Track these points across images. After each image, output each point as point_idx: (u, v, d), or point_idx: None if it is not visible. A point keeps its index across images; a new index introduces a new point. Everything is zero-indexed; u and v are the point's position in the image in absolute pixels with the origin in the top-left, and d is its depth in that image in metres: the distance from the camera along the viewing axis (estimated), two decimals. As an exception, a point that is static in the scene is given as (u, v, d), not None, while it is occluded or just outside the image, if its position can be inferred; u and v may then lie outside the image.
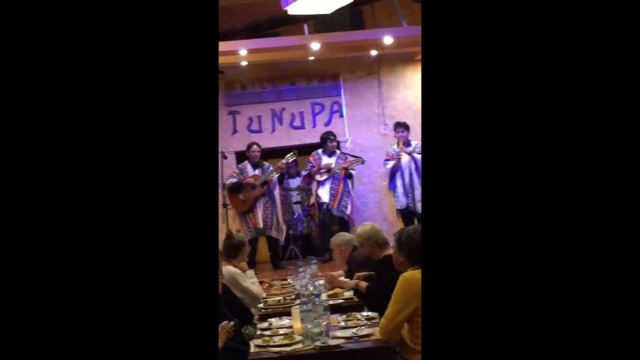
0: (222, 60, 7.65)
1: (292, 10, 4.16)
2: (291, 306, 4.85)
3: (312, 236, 10.08)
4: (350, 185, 9.31)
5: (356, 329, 3.87)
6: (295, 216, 9.72)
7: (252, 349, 3.74)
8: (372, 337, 3.71)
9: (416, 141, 8.99)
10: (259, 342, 3.81)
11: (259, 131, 10.19)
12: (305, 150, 9.70)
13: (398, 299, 3.48)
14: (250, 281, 5.41)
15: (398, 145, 9.03)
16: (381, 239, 5.15)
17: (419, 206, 8.74)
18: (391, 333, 3.52)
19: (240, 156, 9.76)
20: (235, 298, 4.65)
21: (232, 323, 3.68)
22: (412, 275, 3.48)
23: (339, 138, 9.86)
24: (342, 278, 5.53)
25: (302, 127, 10.28)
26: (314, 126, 10.26)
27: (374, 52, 9.62)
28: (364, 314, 4.33)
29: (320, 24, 8.67)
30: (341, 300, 5.02)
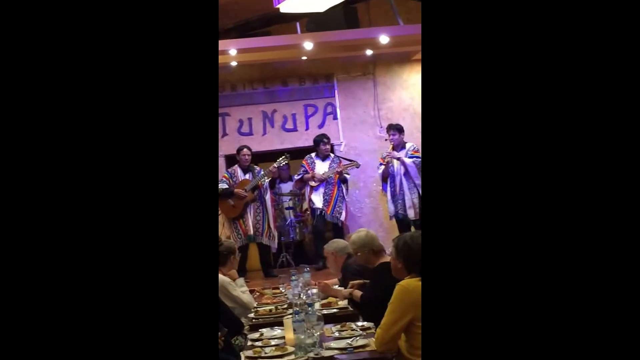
0: (211, 60, 7.64)
1: (284, 8, 4.18)
2: (283, 316, 4.83)
3: (305, 243, 10.08)
4: (344, 190, 9.30)
5: (351, 339, 3.87)
6: (287, 222, 9.72)
7: (243, 361, 3.73)
8: (368, 348, 3.70)
9: (411, 143, 8.98)
10: (249, 353, 3.81)
11: (250, 134, 10.19)
12: (297, 153, 9.70)
13: (395, 308, 3.48)
14: (241, 290, 5.40)
15: (391, 149, 9.02)
16: (377, 246, 5.15)
17: (410, 212, 8.73)
18: (387, 344, 3.51)
19: (230, 160, 9.76)
20: (224, 307, 4.64)
21: (221, 333, 3.68)
22: (409, 284, 3.48)
23: (332, 141, 9.86)
24: (336, 286, 5.53)
25: (294, 129, 10.29)
26: (307, 128, 10.27)
27: (369, 52, 9.64)
28: (359, 323, 4.33)
29: (313, 22, 8.68)
30: (335, 310, 5.02)
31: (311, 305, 4.03)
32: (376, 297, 4.30)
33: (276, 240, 9.19)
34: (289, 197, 9.82)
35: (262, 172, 8.93)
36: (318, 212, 9.15)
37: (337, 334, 4.08)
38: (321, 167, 9.28)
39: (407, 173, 8.80)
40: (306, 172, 9.30)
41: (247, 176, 8.97)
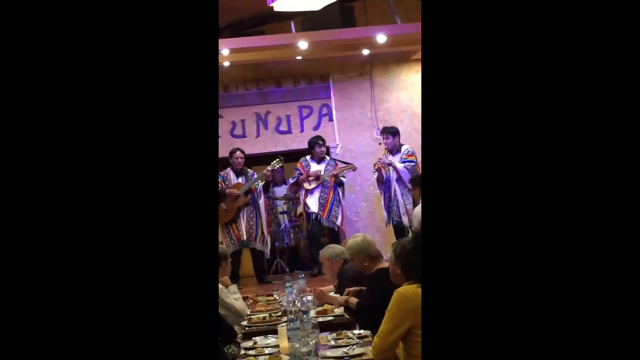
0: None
1: (278, 6, 4.18)
2: (277, 324, 4.83)
3: (300, 248, 10.08)
4: (340, 194, 9.30)
5: (347, 348, 3.87)
6: (281, 227, 9.71)
7: (236, 370, 3.73)
8: (365, 357, 3.71)
9: (407, 146, 8.97)
10: (242, 362, 3.80)
11: (243, 136, 10.19)
12: (292, 156, 9.70)
13: (392, 315, 3.48)
14: (233, 297, 5.40)
15: (384, 154, 9.01)
16: (374, 252, 5.15)
17: (404, 219, 8.72)
18: (385, 352, 3.51)
19: (223, 163, 9.75)
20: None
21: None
22: (407, 290, 3.48)
23: (328, 143, 9.85)
24: (332, 293, 5.52)
25: (288, 131, 10.29)
26: (302, 130, 10.27)
27: (365, 51, 9.64)
28: (356, 332, 4.33)
29: (308, 21, 8.68)
30: (331, 318, 5.02)
31: (306, 312, 4.03)
32: (373, 304, 4.30)
33: (270, 246, 9.19)
34: (283, 201, 9.82)
35: (256, 176, 8.92)
36: (313, 217, 9.15)
37: (333, 343, 4.08)
38: (316, 171, 9.28)
39: (399, 179, 8.79)
40: (301, 175, 9.29)
41: (240, 180, 8.96)
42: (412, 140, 9.50)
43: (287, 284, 5.51)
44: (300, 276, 5.80)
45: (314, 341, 3.69)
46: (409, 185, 8.59)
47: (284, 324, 4.33)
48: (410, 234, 4.44)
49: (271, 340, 4.33)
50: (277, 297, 5.99)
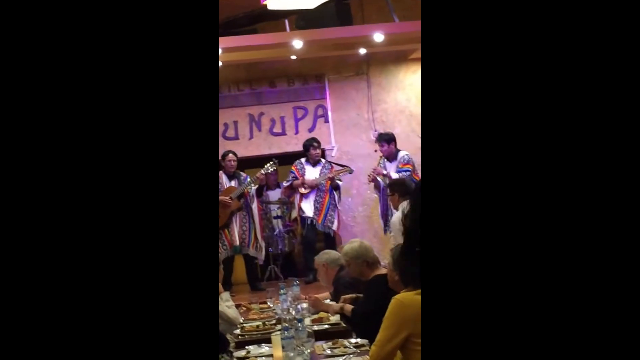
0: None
1: (272, 4, 4.18)
2: (271, 332, 4.84)
3: (295, 254, 10.07)
4: (336, 198, 9.31)
5: (344, 357, 3.87)
6: (275, 232, 9.70)
7: (228, 380, 3.73)
8: (361, 367, 3.71)
9: (404, 153, 8.95)
10: (235, 372, 3.80)
11: (235, 138, 10.19)
12: (286, 159, 9.70)
13: (390, 323, 3.48)
14: (226, 304, 5.39)
15: (379, 163, 9.00)
16: (371, 258, 5.16)
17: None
18: (382, 362, 3.51)
19: (215, 166, 9.75)
20: (209, 323, 4.63)
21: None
22: (405, 297, 3.48)
23: (324, 145, 9.87)
24: (328, 301, 5.52)
25: (283, 133, 10.29)
26: (296, 132, 10.27)
27: (362, 51, 9.65)
28: (352, 340, 4.33)
29: (303, 19, 8.69)
30: (327, 326, 5.02)
31: (301, 320, 4.03)
32: (370, 312, 4.30)
33: (263, 252, 9.18)
34: (277, 206, 9.82)
35: (249, 179, 8.92)
36: (308, 221, 9.16)
37: (328, 352, 4.08)
38: (311, 173, 9.28)
39: None
40: (295, 178, 9.29)
41: (232, 183, 8.96)
42: (410, 142, 9.51)
43: (281, 291, 5.51)
44: (295, 283, 5.81)
45: (309, 350, 3.69)
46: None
47: (278, 332, 4.34)
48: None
49: (265, 349, 4.33)
50: (271, 305, 5.99)
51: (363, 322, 4.60)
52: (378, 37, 8.76)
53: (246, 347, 4.51)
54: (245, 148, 10.07)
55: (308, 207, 9.19)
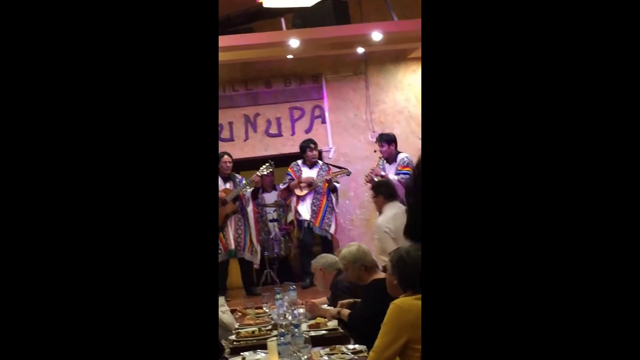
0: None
1: (268, 2, 4.18)
2: (267, 338, 4.83)
3: (291, 258, 10.06)
4: (334, 201, 9.29)
5: (341, 363, 3.87)
6: (271, 236, 9.68)
7: (223, 388, 3.73)
8: (360, 373, 3.71)
9: (404, 155, 8.93)
10: (230, 379, 3.80)
11: (230, 139, 10.17)
12: (282, 160, 9.69)
13: (389, 329, 3.48)
14: (221, 310, 5.39)
15: (378, 164, 8.96)
16: (369, 262, 5.16)
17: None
18: (381, 368, 3.51)
19: (209, 168, 9.74)
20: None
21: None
22: (404, 302, 3.48)
23: (320, 147, 9.85)
24: (325, 306, 5.52)
25: (279, 134, 10.28)
26: (293, 133, 10.26)
27: (360, 50, 9.64)
28: (350, 346, 4.33)
29: (299, 18, 8.69)
30: (324, 332, 5.02)
31: (298, 326, 4.03)
32: (368, 317, 4.30)
33: (259, 256, 9.17)
34: (273, 209, 9.80)
35: (244, 181, 8.90)
36: (305, 225, 9.14)
37: (326, 358, 4.08)
38: (308, 175, 9.26)
39: None
40: (292, 180, 9.28)
41: (227, 185, 8.95)
42: (409, 143, 9.50)
43: (278, 296, 5.51)
44: (291, 287, 5.79)
45: (305, 357, 3.69)
46: (403, 199, 8.54)
47: (274, 338, 4.33)
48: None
49: (261, 355, 4.33)
50: (267, 310, 5.98)
51: (361, 328, 4.59)
52: (376, 36, 8.76)
53: (241, 353, 4.51)
54: (241, 149, 10.06)
55: (305, 210, 9.18)
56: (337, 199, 9.37)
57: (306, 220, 9.13)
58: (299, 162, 9.36)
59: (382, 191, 7.16)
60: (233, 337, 5.17)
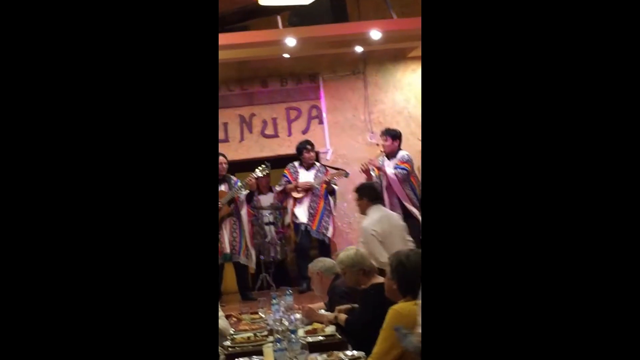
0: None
1: (264, 0, 4.18)
2: (263, 344, 4.83)
3: (287, 262, 10.06)
4: (332, 203, 9.28)
5: (339, 370, 3.87)
6: (267, 239, 9.67)
7: (218, 395, 3.72)
8: (358, 380, 3.71)
9: (404, 152, 8.92)
10: (225, 386, 3.80)
11: (225, 140, 10.16)
12: (278, 162, 9.69)
13: (387, 335, 3.48)
14: (215, 315, 5.39)
15: (378, 156, 8.94)
16: (367, 266, 5.15)
17: None
18: (379, 375, 3.51)
19: (204, 169, 9.72)
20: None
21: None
22: (403, 308, 3.48)
23: (318, 148, 9.85)
24: (323, 311, 5.52)
25: (275, 135, 10.28)
26: (289, 134, 10.26)
27: (358, 49, 9.65)
28: (349, 353, 4.32)
29: (296, 16, 8.69)
30: (321, 337, 5.01)
31: (294, 332, 4.03)
32: (366, 322, 4.30)
33: (255, 260, 9.16)
34: (269, 211, 9.79)
35: (239, 183, 8.89)
36: (302, 228, 9.13)
37: (323, 365, 4.08)
38: (305, 177, 9.26)
39: (389, 187, 8.66)
40: (289, 182, 9.26)
41: (222, 188, 8.94)
42: (408, 145, 9.50)
43: (274, 301, 5.51)
44: (288, 292, 5.79)
45: (302, 363, 3.69)
46: (400, 194, 8.53)
47: (270, 344, 4.33)
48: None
49: (256, 362, 4.32)
50: (263, 315, 5.98)
51: (359, 334, 4.59)
52: (375, 34, 8.76)
53: (237, 359, 4.50)
54: (236, 151, 10.05)
55: (302, 213, 9.16)
56: (335, 202, 9.37)
57: (303, 223, 9.11)
58: (296, 163, 9.35)
59: (366, 193, 7.17)
60: (228, 343, 5.16)
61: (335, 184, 9.27)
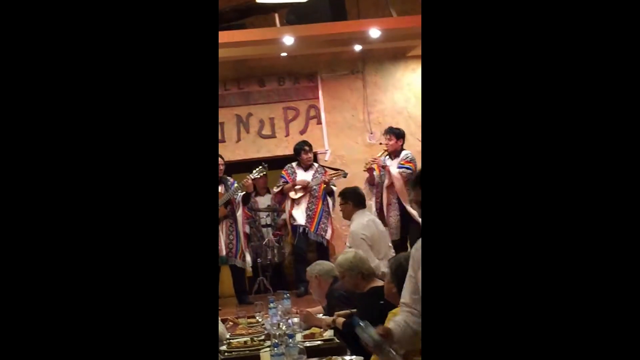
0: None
1: (261, -3, 4.18)
2: (260, 349, 4.83)
3: (285, 265, 10.05)
4: (330, 205, 9.25)
5: (337, 375, 3.87)
6: (264, 242, 9.66)
7: (214, 401, 3.72)
8: (357, 386, 3.71)
9: (407, 152, 8.92)
10: (221, 392, 3.80)
11: (222, 141, 10.14)
12: (276, 163, 9.68)
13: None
14: (211, 319, 5.38)
15: (381, 155, 8.93)
16: (366, 269, 5.15)
17: (392, 233, 8.54)
18: (379, 380, 3.51)
19: (199, 170, 9.71)
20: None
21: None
22: (403, 312, 3.48)
23: (316, 149, 9.84)
24: (321, 315, 5.52)
25: (272, 135, 10.28)
26: (287, 134, 10.26)
27: (357, 47, 9.65)
28: (347, 357, 4.32)
29: (294, 14, 8.69)
30: (319, 342, 5.01)
31: (292, 336, 4.03)
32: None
33: (251, 263, 9.15)
34: (267, 213, 9.78)
35: (236, 185, 8.87)
36: (300, 230, 9.11)
37: (321, 370, 4.08)
38: (303, 178, 9.24)
39: (391, 186, 8.67)
40: (286, 183, 9.25)
41: (218, 189, 8.93)
42: (408, 145, 9.48)
43: (271, 305, 5.50)
44: (285, 296, 5.79)
45: (300, 368, 3.69)
46: (401, 195, 8.51)
47: (267, 349, 4.33)
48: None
49: (253, 367, 4.32)
50: (260, 320, 5.98)
51: (353, 337, 4.59)
52: (374, 32, 8.76)
53: (233, 364, 4.51)
54: (233, 151, 10.05)
55: (300, 215, 9.14)
56: (333, 203, 9.32)
57: (301, 225, 9.10)
58: (294, 164, 9.33)
59: (352, 198, 7.24)
60: (224, 347, 5.16)
61: (334, 185, 9.25)
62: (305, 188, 9.13)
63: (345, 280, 5.24)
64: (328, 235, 9.18)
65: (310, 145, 9.36)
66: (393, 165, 8.74)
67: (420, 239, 3.12)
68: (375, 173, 8.80)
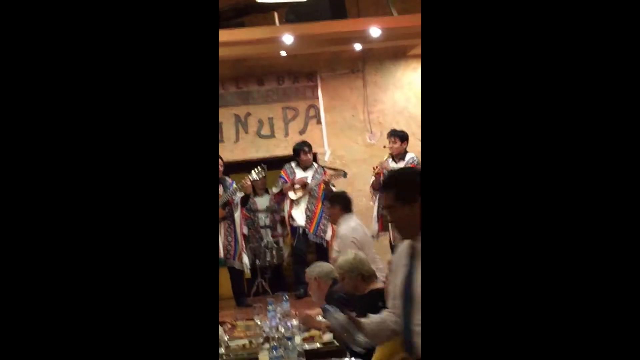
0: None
1: (260, -4, 4.18)
2: (259, 352, 4.83)
3: (284, 267, 10.04)
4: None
5: (337, 378, 3.87)
6: (263, 243, 9.66)
7: (212, 404, 3.72)
8: (356, 389, 3.71)
9: (412, 155, 8.92)
10: (219, 395, 3.80)
11: (220, 141, 10.13)
12: (275, 163, 9.67)
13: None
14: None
15: (387, 158, 8.96)
16: (366, 271, 5.15)
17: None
18: (379, 384, 3.51)
19: (197, 171, 9.71)
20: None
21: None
22: (403, 314, 3.48)
23: (316, 149, 9.84)
24: (320, 317, 5.52)
25: (271, 135, 10.28)
26: (286, 135, 10.26)
27: (358, 46, 9.65)
28: (347, 360, 4.33)
29: (293, 12, 8.68)
30: (319, 345, 5.01)
31: (291, 339, 4.03)
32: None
33: (250, 264, 9.14)
34: (266, 214, 9.77)
35: (234, 186, 8.86)
36: (299, 231, 9.11)
37: (321, 373, 4.08)
38: (303, 178, 9.24)
39: None
40: (285, 183, 9.24)
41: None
42: (409, 145, 9.50)
43: (270, 307, 5.50)
44: (284, 298, 5.79)
45: (299, 371, 3.69)
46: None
47: (266, 352, 4.33)
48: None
49: (251, 370, 4.33)
50: (258, 322, 5.98)
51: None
52: (374, 31, 8.76)
53: (231, 367, 4.51)
54: (231, 151, 10.04)
55: (299, 215, 9.14)
56: (333, 204, 9.34)
57: (300, 226, 9.10)
58: (293, 164, 9.32)
59: (340, 202, 7.32)
60: (222, 350, 5.16)
61: (334, 185, 9.24)
62: (305, 188, 9.12)
63: (345, 282, 5.24)
64: (328, 236, 9.17)
65: (309, 146, 9.35)
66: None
67: (402, 245, 3.13)
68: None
